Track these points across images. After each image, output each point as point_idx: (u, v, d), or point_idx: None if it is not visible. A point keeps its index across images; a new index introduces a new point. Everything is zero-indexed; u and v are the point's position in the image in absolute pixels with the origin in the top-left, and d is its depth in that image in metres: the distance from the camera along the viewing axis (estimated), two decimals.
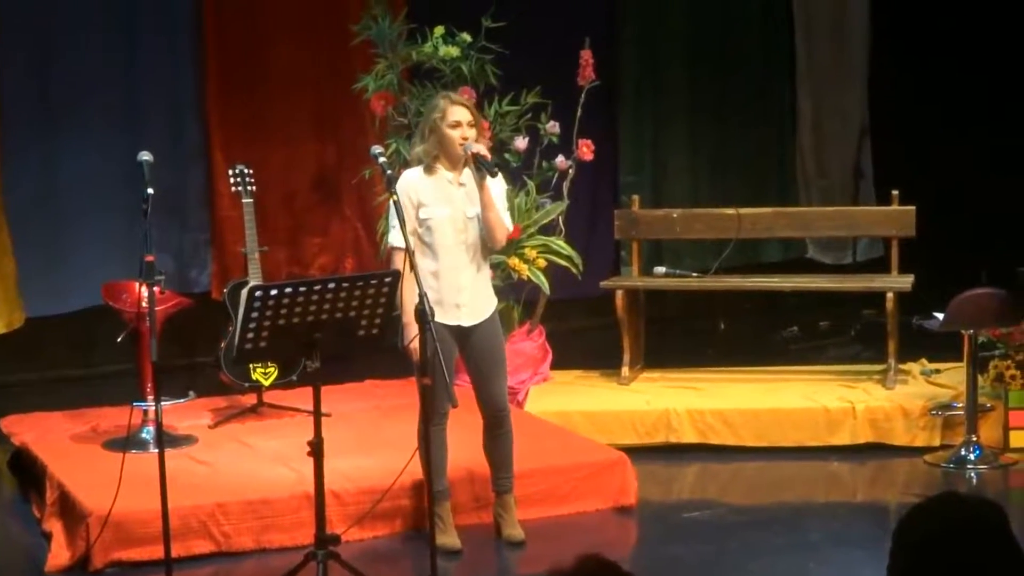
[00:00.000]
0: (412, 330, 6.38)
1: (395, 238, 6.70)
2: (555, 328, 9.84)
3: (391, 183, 6.47)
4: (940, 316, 8.32)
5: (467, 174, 6.82)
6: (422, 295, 6.09)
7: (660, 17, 11.71)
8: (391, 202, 6.51)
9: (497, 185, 6.85)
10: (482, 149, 6.80)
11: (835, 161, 12.30)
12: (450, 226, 6.76)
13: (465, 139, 6.74)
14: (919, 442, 8.53)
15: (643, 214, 9.95)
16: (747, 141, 12.02)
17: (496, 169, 6.81)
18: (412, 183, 6.79)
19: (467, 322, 6.83)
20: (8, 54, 9.73)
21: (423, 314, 6.04)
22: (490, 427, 7.00)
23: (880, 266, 10.25)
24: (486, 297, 6.94)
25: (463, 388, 7.06)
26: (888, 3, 12.11)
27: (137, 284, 7.72)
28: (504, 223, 6.87)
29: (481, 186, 6.74)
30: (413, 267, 6.23)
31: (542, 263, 9.29)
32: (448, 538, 6.87)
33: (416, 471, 6.83)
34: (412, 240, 6.61)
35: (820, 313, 11.33)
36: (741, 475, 8.36)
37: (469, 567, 6.98)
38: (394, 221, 6.68)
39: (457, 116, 6.77)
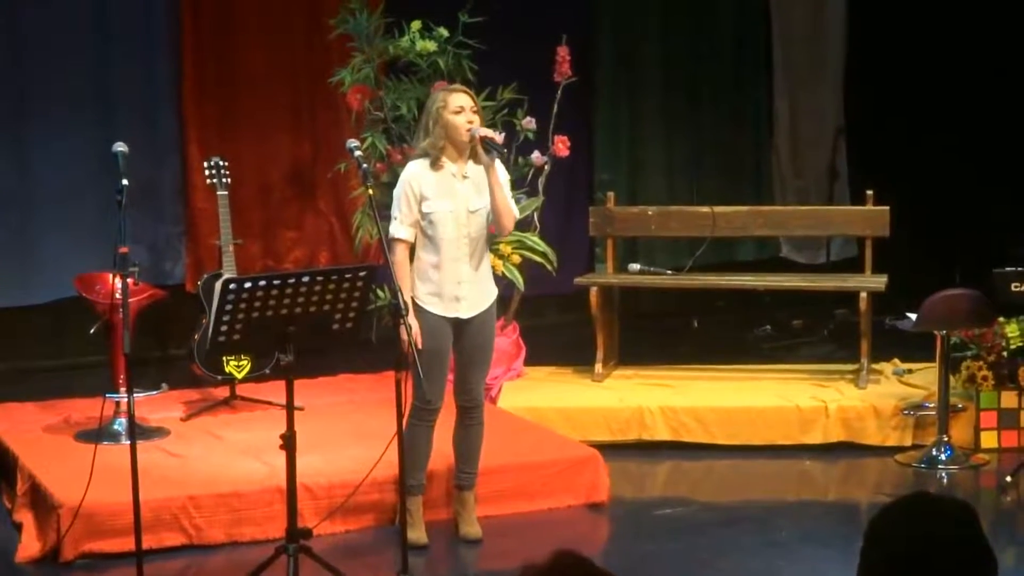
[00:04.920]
0: (413, 323, 6.44)
1: (396, 229, 6.73)
2: (529, 324, 9.84)
3: (367, 177, 6.52)
4: (913, 316, 8.34)
5: (471, 167, 6.82)
6: (397, 290, 6.14)
7: (637, 15, 11.71)
8: (397, 192, 6.68)
9: (501, 172, 6.86)
10: (489, 132, 6.83)
11: (810, 161, 12.31)
12: (452, 220, 6.75)
13: (471, 123, 6.75)
14: (891, 442, 8.55)
15: (618, 211, 9.95)
16: (723, 140, 12.02)
17: (505, 151, 6.84)
18: (416, 175, 6.77)
19: (465, 314, 6.84)
20: None
21: (396, 309, 6.13)
22: (461, 416, 7.02)
23: (854, 266, 10.26)
24: (486, 289, 6.94)
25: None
26: (864, 4, 12.13)
27: (111, 275, 7.72)
28: (511, 208, 6.88)
29: (490, 169, 6.75)
30: (411, 260, 6.35)
31: (517, 259, 9.29)
32: (416, 533, 6.87)
33: (388, 465, 6.81)
34: (413, 232, 6.66)
35: (793, 312, 11.33)
36: (713, 473, 8.37)
37: (441, 562, 6.99)
38: (396, 212, 6.73)
39: (459, 102, 6.77)
